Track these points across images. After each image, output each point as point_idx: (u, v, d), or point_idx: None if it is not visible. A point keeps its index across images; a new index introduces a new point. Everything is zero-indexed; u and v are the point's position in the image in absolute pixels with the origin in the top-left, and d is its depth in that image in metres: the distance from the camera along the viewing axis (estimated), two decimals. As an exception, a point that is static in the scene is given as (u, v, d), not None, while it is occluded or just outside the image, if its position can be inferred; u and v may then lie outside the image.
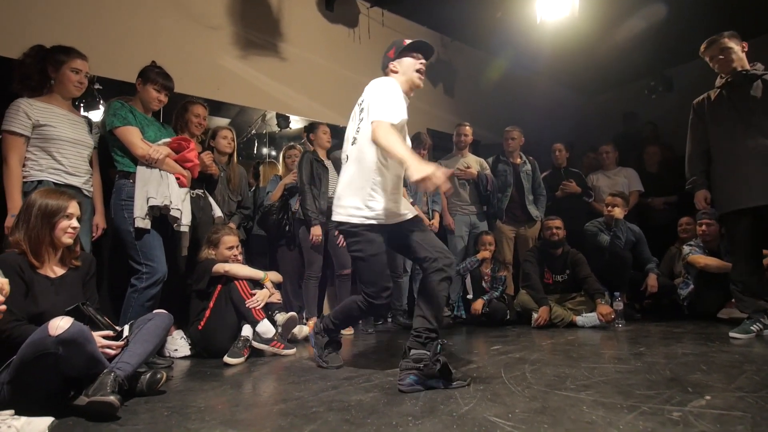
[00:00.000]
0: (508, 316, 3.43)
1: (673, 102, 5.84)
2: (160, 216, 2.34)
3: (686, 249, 3.43)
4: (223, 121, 4.46)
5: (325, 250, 3.38)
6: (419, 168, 1.60)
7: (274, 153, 4.41)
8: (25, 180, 2.13)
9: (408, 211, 2.06)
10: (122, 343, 1.72)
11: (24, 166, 2.14)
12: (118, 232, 2.29)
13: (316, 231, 3.21)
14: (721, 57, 2.54)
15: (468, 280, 3.62)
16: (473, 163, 4.04)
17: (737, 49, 2.51)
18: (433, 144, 4.73)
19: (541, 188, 4.20)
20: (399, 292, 3.62)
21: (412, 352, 1.75)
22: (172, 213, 2.32)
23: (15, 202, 2.04)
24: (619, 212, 3.58)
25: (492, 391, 1.57)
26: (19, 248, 1.72)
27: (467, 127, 4.10)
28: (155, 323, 1.81)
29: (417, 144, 3.94)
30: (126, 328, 1.80)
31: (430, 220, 3.84)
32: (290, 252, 3.50)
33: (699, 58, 2.71)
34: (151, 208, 2.25)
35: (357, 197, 1.94)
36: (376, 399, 1.54)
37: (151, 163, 2.29)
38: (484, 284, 3.61)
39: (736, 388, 1.51)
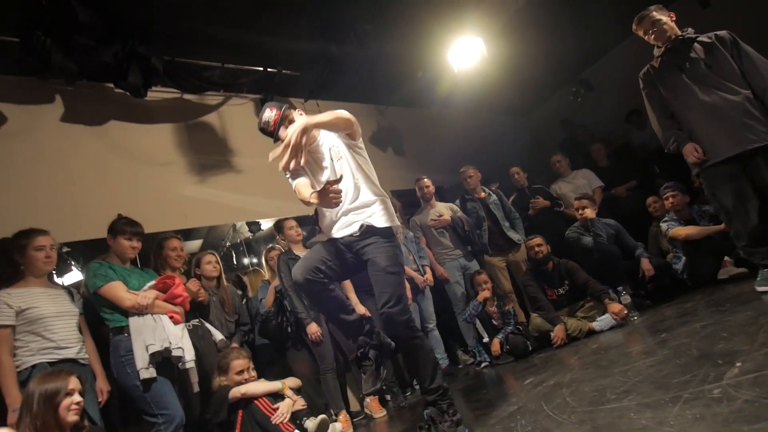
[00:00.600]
0: (530, 347, 3.40)
1: (596, 99, 6.37)
2: (163, 360, 2.30)
3: (664, 226, 3.58)
4: (195, 244, 4.51)
5: (333, 338, 3.33)
6: None
7: (255, 260, 4.44)
8: (18, 369, 2.08)
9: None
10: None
11: (14, 355, 2.10)
12: (125, 390, 2.24)
13: (312, 329, 3.18)
14: (654, 29, 2.66)
15: (478, 324, 3.61)
16: (444, 210, 4.19)
17: (666, 19, 2.66)
18: (402, 203, 4.93)
19: (513, 213, 4.36)
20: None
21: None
22: (174, 353, 2.30)
23: (13, 397, 1.98)
24: (590, 212, 3.75)
25: (541, 428, 1.56)
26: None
27: (425, 179, 4.29)
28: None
29: None
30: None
31: (422, 276, 3.89)
32: (299, 352, 3.43)
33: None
34: (152, 355, 2.22)
35: None
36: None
37: (142, 311, 2.29)
38: (494, 323, 3.61)
39: (761, 345, 1.56)
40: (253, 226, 4.71)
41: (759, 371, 1.31)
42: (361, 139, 2.08)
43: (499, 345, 3.45)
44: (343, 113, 1.94)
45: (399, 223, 1.94)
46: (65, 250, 3.42)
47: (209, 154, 4.33)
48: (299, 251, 3.51)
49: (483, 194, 4.35)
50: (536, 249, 3.57)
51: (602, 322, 3.17)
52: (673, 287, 3.62)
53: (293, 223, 3.62)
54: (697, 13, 5.15)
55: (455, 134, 6.42)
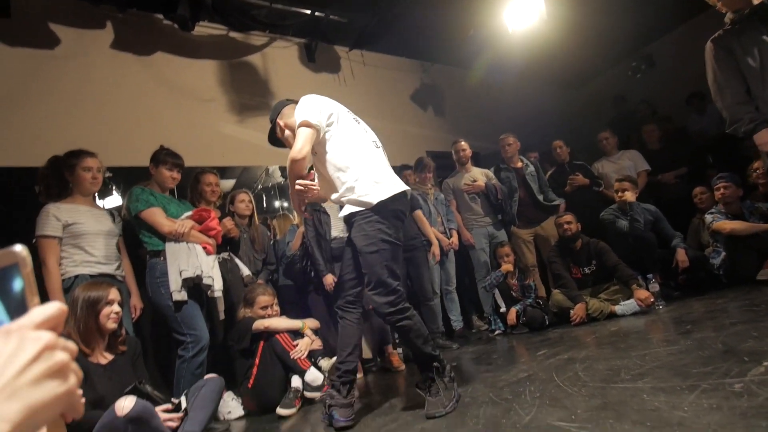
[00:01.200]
0: (547, 322, 3.40)
1: (657, 77, 5.95)
2: (194, 286, 2.43)
3: (708, 218, 3.41)
4: (229, 183, 4.63)
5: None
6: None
7: (285, 204, 4.53)
8: (63, 277, 2.25)
9: None
10: (182, 414, 1.77)
11: (60, 264, 2.26)
12: (158, 309, 2.39)
13: (327, 280, 3.26)
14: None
15: (497, 294, 3.63)
16: (479, 175, 4.12)
17: None
18: (436, 165, 4.86)
19: (547, 186, 4.26)
20: (432, 315, 3.60)
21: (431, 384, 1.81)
22: (205, 281, 2.42)
23: (58, 300, 2.15)
24: (630, 195, 3.60)
25: (549, 396, 1.58)
26: (71, 339, 1.81)
27: (462, 143, 4.19)
28: (209, 388, 1.87)
29: (421, 168, 4.04)
30: (182, 398, 1.85)
31: (448, 239, 3.89)
32: (319, 296, 3.55)
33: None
34: (185, 280, 2.35)
35: None
36: (437, 425, 1.56)
37: (178, 238, 2.40)
38: (513, 294, 3.62)
39: (792, 347, 1.50)
40: (286, 171, 4.77)
41: (787, 372, 1.27)
42: (316, 131, 1.91)
43: (515, 315, 3.47)
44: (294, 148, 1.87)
45: (382, 196, 1.86)
46: (107, 175, 3.58)
47: (250, 94, 4.35)
48: (327, 203, 3.55)
49: (520, 164, 4.23)
50: (566, 226, 3.49)
51: (626, 306, 3.12)
52: (707, 282, 3.50)
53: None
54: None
55: (499, 100, 6.19)
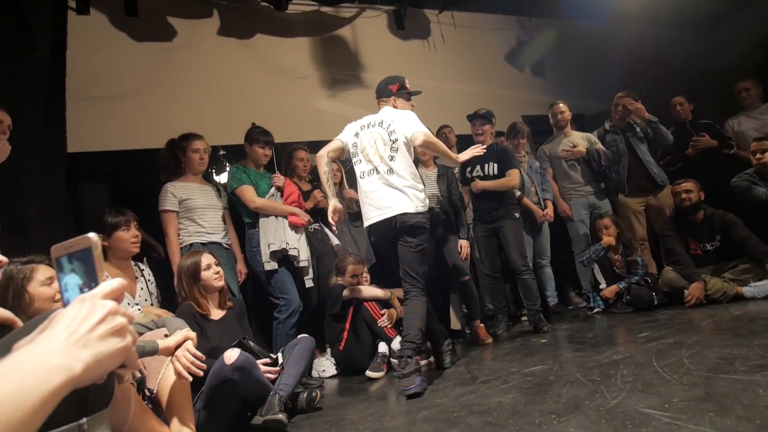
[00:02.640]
0: (656, 301, 3.06)
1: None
2: (284, 256, 2.69)
3: None
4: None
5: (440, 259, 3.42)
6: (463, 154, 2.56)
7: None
8: (181, 245, 2.61)
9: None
10: (279, 368, 1.98)
11: (178, 235, 2.62)
12: (255, 274, 2.70)
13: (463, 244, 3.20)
14: None
15: (596, 269, 3.35)
16: (579, 140, 3.76)
17: None
18: (534, 130, 4.54)
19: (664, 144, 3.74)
20: (527, 290, 3.36)
21: (407, 360, 2.00)
22: (291, 253, 2.68)
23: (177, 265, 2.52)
24: (773, 157, 3.00)
25: (643, 381, 1.45)
26: (187, 302, 2.11)
27: (561, 105, 3.83)
28: (301, 347, 2.06)
29: (514, 134, 3.82)
30: (279, 355, 2.06)
31: (543, 210, 3.67)
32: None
33: None
34: (272, 252, 2.62)
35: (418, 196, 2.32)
36: (515, 399, 1.53)
37: (266, 213, 2.72)
38: (617, 271, 3.30)
39: None
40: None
41: None
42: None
43: (615, 292, 3.18)
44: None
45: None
46: (221, 153, 4.00)
47: (341, 68, 4.46)
48: (427, 170, 3.49)
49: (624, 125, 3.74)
50: (684, 195, 3.05)
51: (757, 288, 2.68)
52: None
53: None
54: None
55: (610, 53, 5.47)
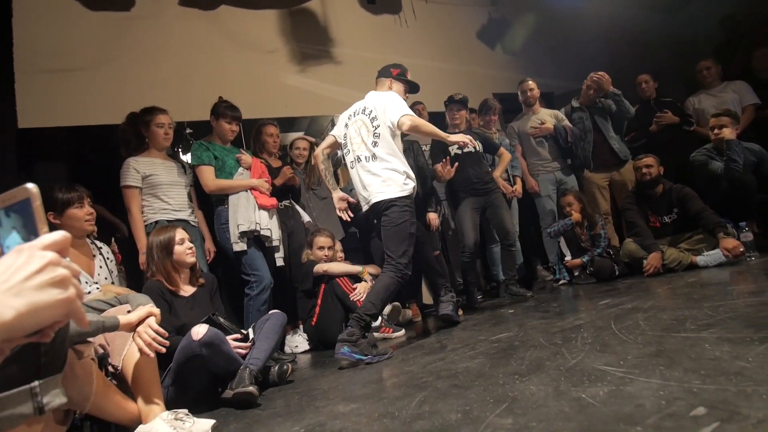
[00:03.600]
0: (617, 272, 3.20)
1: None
2: (254, 236, 2.65)
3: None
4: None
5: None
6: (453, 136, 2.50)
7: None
8: (145, 223, 2.53)
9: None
10: (250, 344, 1.97)
11: (142, 212, 2.54)
12: (225, 251, 2.64)
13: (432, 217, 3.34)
14: None
15: (562, 243, 3.45)
16: (547, 117, 3.83)
17: None
18: (505, 108, 4.57)
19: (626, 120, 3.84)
20: (511, 260, 3.48)
21: (350, 329, 2.14)
22: (263, 233, 2.64)
23: (142, 242, 2.45)
24: (728, 132, 3.13)
25: (601, 342, 1.52)
26: (156, 277, 2.06)
27: (530, 82, 3.88)
28: (272, 322, 2.05)
29: (486, 110, 3.85)
30: (250, 330, 2.05)
31: (512, 186, 3.74)
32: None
33: None
34: (242, 233, 2.57)
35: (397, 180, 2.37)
36: (481, 364, 1.58)
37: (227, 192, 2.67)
38: (582, 245, 3.42)
39: None
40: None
41: None
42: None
43: (578, 265, 3.31)
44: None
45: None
46: (188, 131, 3.86)
47: (310, 43, 4.35)
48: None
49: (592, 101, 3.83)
50: (644, 170, 3.16)
51: (709, 257, 2.83)
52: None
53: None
54: None
55: (579, 32, 5.54)
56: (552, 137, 3.76)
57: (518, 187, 3.76)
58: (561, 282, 3.51)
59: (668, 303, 2.00)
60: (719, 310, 1.64)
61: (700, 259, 2.88)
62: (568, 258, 3.44)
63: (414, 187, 2.42)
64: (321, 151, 2.59)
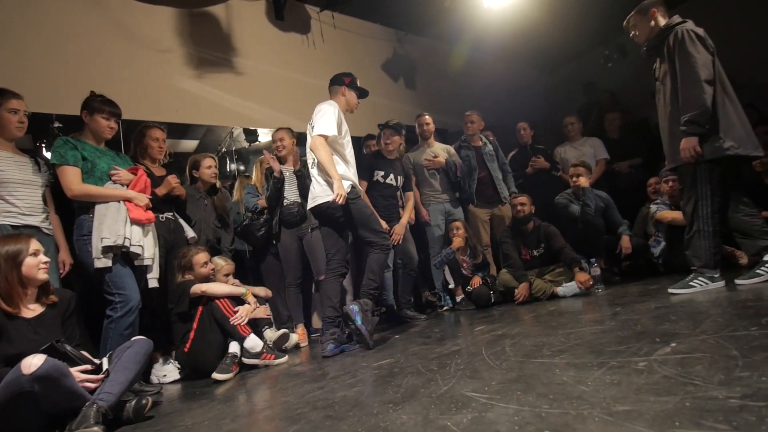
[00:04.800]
0: (492, 299, 3.49)
1: (628, 68, 6.01)
2: (122, 253, 2.32)
3: (653, 207, 3.53)
4: (191, 144, 4.44)
5: (303, 256, 3.38)
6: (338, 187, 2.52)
7: (243, 168, 4.40)
8: None
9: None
10: (102, 376, 1.71)
11: None
12: (85, 267, 2.28)
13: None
14: (632, 32, 2.65)
15: (446, 271, 3.67)
16: (440, 151, 4.09)
17: (645, 21, 2.55)
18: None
19: (506, 165, 4.28)
20: (409, 285, 3.66)
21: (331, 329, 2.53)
22: (133, 250, 2.31)
23: None
24: (584, 181, 3.67)
25: (472, 369, 1.61)
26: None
27: (426, 116, 4.14)
28: (134, 350, 1.81)
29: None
30: (105, 360, 1.79)
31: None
32: (273, 265, 3.48)
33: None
34: (106, 248, 2.23)
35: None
36: (359, 392, 1.57)
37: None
38: (464, 272, 3.67)
39: (701, 331, 1.57)
40: (250, 136, 4.61)
41: (688, 353, 1.33)
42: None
43: (461, 291, 3.53)
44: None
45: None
46: (56, 125, 3.36)
47: (210, 48, 4.12)
48: (287, 166, 3.46)
49: (480, 143, 4.23)
50: (519, 207, 3.54)
51: (567, 288, 3.23)
52: (646, 269, 3.65)
53: (277, 135, 3.52)
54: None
55: (471, 78, 6.10)
56: (443, 170, 4.02)
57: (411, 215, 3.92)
58: (445, 308, 3.70)
59: (532, 330, 2.21)
60: (570, 337, 1.85)
61: (560, 290, 3.26)
62: (451, 285, 3.65)
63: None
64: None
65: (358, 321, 2.39)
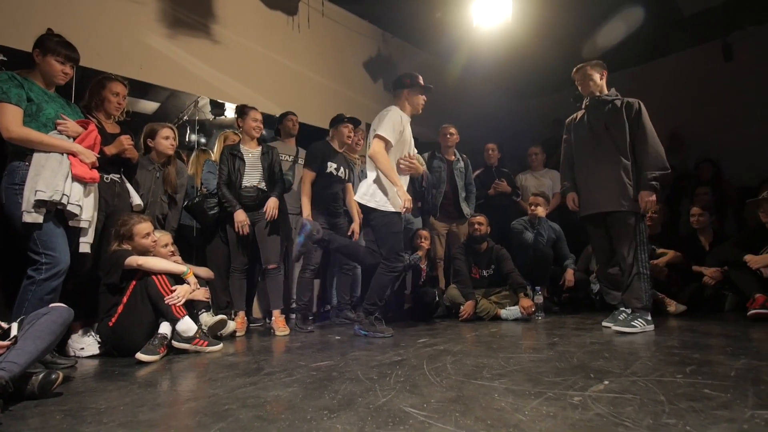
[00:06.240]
0: (437, 298, 3.53)
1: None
2: (57, 210, 2.10)
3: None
4: (151, 106, 4.15)
5: (255, 244, 3.25)
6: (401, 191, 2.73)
7: (203, 140, 4.18)
8: None
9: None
10: (9, 342, 1.54)
11: None
12: (11, 219, 2.04)
13: (239, 216, 3.07)
14: (582, 82, 2.91)
15: (409, 276, 3.68)
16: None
17: (597, 76, 2.87)
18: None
19: (472, 186, 4.35)
20: (347, 286, 3.60)
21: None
22: (70, 208, 2.09)
23: None
24: (541, 211, 3.80)
25: (412, 382, 1.59)
26: None
27: (452, 128, 4.22)
28: (50, 318, 1.65)
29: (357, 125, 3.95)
30: (14, 325, 1.61)
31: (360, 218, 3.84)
32: (220, 247, 3.32)
33: (611, 73, 3.02)
34: (39, 201, 2.00)
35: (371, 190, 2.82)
36: (294, 394, 1.50)
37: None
38: (421, 282, 3.70)
39: (631, 372, 1.64)
40: (217, 108, 4.38)
41: (620, 393, 1.38)
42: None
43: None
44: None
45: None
46: (1, 58, 3.04)
47: (189, 10, 3.90)
48: (250, 147, 3.31)
49: (453, 157, 4.27)
50: (476, 226, 3.61)
51: (510, 311, 3.31)
52: (584, 304, 3.82)
53: (259, 116, 3.34)
54: (721, 64, 5.15)
55: (448, 92, 6.15)
56: (411, 178, 4.00)
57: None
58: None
59: (473, 349, 2.23)
60: (510, 361, 1.88)
61: (503, 312, 3.34)
62: (407, 291, 3.66)
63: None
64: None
65: (364, 333, 2.77)
